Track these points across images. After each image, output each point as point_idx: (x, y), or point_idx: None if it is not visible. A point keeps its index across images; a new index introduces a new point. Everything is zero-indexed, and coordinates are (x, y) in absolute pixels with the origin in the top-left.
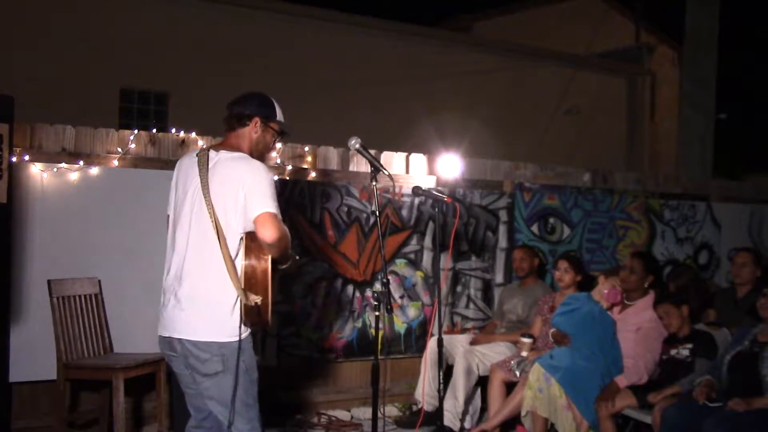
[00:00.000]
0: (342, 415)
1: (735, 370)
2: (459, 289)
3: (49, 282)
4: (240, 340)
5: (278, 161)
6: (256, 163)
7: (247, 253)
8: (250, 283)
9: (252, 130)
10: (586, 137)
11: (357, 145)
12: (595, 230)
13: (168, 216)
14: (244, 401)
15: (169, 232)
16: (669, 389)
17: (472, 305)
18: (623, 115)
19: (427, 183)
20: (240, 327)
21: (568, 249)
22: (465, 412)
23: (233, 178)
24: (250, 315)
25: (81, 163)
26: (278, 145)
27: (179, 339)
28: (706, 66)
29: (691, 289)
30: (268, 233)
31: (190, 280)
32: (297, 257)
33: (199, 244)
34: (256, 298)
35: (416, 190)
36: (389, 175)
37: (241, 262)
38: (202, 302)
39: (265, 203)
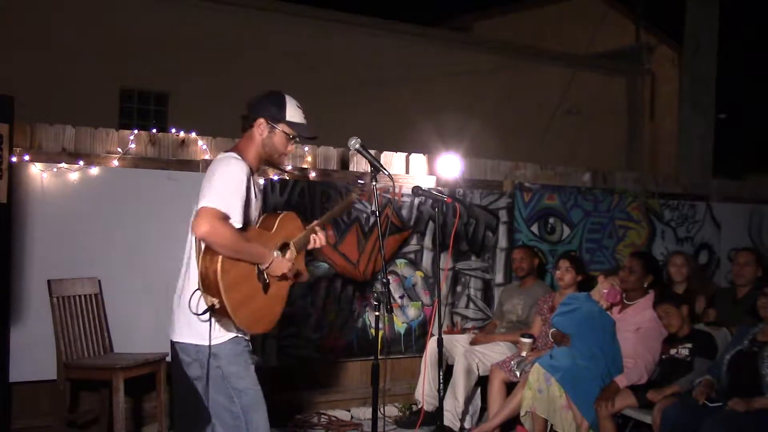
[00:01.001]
0: (342, 415)
1: (735, 369)
2: (459, 289)
3: (49, 282)
4: (210, 345)
5: None
6: (230, 161)
7: (204, 253)
8: (204, 283)
9: (257, 132)
10: (586, 137)
11: (357, 145)
12: (595, 230)
13: None
14: (227, 408)
15: None
16: (669, 388)
17: (472, 305)
18: (623, 115)
19: (427, 183)
20: (210, 330)
21: (568, 249)
22: (465, 412)
23: (206, 177)
24: (217, 318)
25: (81, 163)
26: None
27: (172, 341)
28: (706, 66)
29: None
30: (198, 228)
31: (178, 282)
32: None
33: (186, 246)
34: (213, 300)
35: (416, 190)
36: (389, 175)
37: (197, 263)
38: (182, 304)
39: (210, 198)
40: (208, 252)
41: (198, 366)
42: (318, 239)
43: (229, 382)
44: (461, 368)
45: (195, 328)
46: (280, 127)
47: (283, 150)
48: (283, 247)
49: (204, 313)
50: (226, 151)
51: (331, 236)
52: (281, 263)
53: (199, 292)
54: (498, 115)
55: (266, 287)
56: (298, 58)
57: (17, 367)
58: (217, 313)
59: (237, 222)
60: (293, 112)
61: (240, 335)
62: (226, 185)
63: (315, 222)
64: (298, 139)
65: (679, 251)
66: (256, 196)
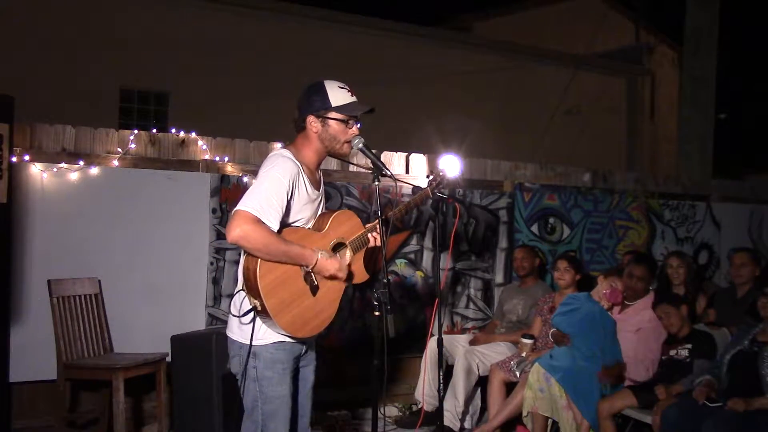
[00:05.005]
0: (342, 415)
1: (735, 369)
2: (459, 289)
3: (49, 282)
4: (251, 344)
5: None
6: (276, 161)
7: (247, 254)
8: (246, 285)
9: (312, 130)
10: (586, 137)
11: (360, 145)
12: (595, 230)
13: None
14: (249, 412)
15: None
16: (675, 387)
17: (472, 305)
18: (623, 115)
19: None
20: (253, 330)
21: (568, 249)
22: (465, 412)
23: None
24: (263, 319)
25: (81, 163)
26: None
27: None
28: (706, 66)
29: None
30: (229, 232)
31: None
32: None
33: None
34: (255, 301)
35: (416, 190)
36: (391, 176)
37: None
38: (233, 302)
39: (245, 201)
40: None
41: (238, 362)
42: (378, 237)
43: (260, 385)
44: (461, 368)
45: (243, 326)
46: (330, 116)
47: (344, 137)
48: (338, 247)
49: (245, 314)
50: (282, 147)
51: None
52: (327, 263)
53: (243, 293)
54: (498, 115)
55: (315, 289)
56: (298, 59)
57: (17, 367)
58: (261, 314)
59: (274, 225)
60: (337, 96)
61: (289, 340)
62: (264, 188)
63: (376, 221)
64: (356, 118)
65: (675, 252)
66: (310, 194)
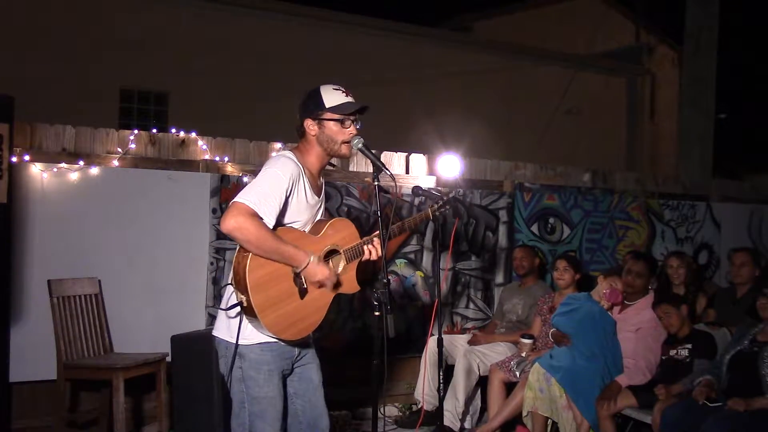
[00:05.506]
0: (342, 415)
1: (735, 369)
2: (459, 289)
3: (49, 282)
4: (237, 344)
5: None
6: (279, 160)
7: (239, 248)
8: (235, 279)
9: (310, 133)
10: (586, 137)
11: (360, 145)
12: (595, 230)
13: None
14: (236, 413)
15: None
16: (676, 387)
17: (472, 305)
18: (623, 115)
19: (427, 183)
20: (239, 329)
21: (568, 249)
22: (465, 412)
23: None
24: (249, 318)
25: (81, 163)
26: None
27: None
28: (706, 66)
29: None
30: (224, 222)
31: None
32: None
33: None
34: (241, 296)
35: (416, 190)
36: (392, 176)
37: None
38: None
39: (244, 194)
40: (242, 248)
41: (224, 363)
42: (373, 251)
43: (246, 385)
44: (461, 368)
45: (230, 325)
46: (326, 117)
47: (341, 137)
48: (332, 253)
49: (231, 308)
50: (284, 148)
51: None
52: (317, 268)
53: (231, 287)
54: (498, 115)
55: (303, 292)
56: (298, 59)
57: (17, 367)
58: (247, 312)
59: (269, 221)
60: (331, 97)
61: (275, 341)
62: (264, 183)
63: (373, 234)
64: (351, 118)
65: (675, 252)
66: (309, 198)
